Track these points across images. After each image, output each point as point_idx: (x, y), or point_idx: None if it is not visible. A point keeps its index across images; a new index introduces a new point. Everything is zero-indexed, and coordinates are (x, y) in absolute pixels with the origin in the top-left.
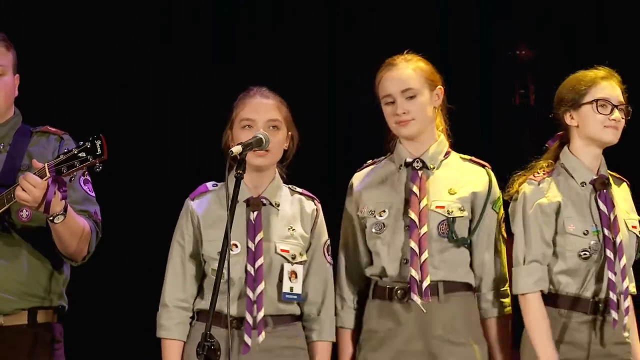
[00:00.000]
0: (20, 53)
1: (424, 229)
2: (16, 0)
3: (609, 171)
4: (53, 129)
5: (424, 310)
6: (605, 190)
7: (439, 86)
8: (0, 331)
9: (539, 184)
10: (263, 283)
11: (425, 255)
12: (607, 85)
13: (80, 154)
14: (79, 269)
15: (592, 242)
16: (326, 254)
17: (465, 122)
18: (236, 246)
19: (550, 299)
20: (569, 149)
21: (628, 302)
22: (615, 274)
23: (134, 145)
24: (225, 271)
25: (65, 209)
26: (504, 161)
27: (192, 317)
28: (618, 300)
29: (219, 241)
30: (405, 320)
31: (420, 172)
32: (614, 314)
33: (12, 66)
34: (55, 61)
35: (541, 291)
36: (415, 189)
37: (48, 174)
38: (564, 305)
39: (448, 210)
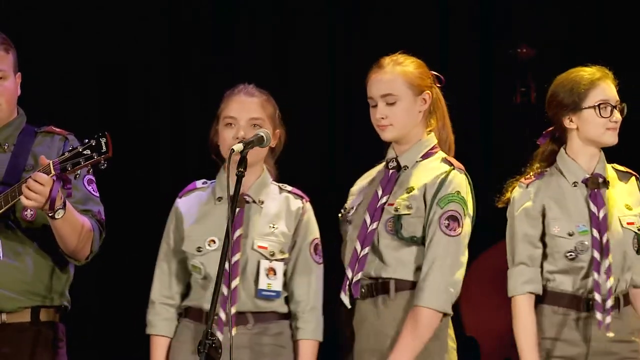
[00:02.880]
0: (20, 53)
1: (374, 226)
2: (16, 0)
3: (616, 166)
4: (58, 130)
5: (348, 306)
6: (596, 190)
7: (427, 91)
8: (2, 329)
9: (527, 187)
10: (238, 279)
11: (365, 251)
12: (605, 87)
13: (85, 152)
14: (81, 269)
15: (578, 243)
16: (313, 253)
17: (466, 121)
18: (214, 242)
19: (546, 296)
20: (565, 150)
21: (610, 303)
22: (599, 274)
23: (133, 145)
24: (202, 267)
25: (64, 203)
26: (504, 160)
27: (180, 315)
28: (603, 300)
29: (198, 237)
30: (362, 319)
31: (391, 172)
32: (598, 315)
33: (12, 68)
34: (55, 61)
35: (534, 293)
36: (379, 187)
37: (53, 171)
38: (559, 303)
39: (396, 208)
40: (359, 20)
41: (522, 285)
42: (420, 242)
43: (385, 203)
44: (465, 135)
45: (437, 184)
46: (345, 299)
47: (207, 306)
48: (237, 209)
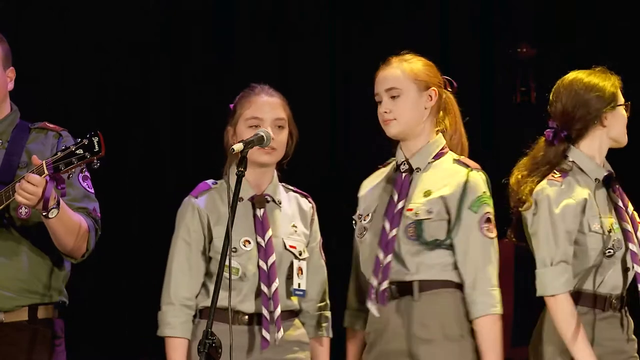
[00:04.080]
0: (20, 53)
1: (394, 232)
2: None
3: None
4: (51, 125)
5: (377, 315)
6: (617, 185)
7: (433, 87)
8: (0, 328)
9: (561, 185)
10: (277, 279)
11: (388, 258)
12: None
13: (77, 151)
14: (80, 265)
15: (616, 239)
16: (322, 253)
17: (466, 120)
18: (249, 242)
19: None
20: (579, 148)
21: None
22: None
23: (133, 144)
24: (226, 267)
25: (58, 202)
26: (505, 159)
27: (195, 315)
28: None
29: (232, 237)
30: (385, 321)
31: (404, 175)
32: None
33: (1, 60)
34: (55, 61)
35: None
36: (394, 192)
37: (46, 172)
38: (582, 303)
39: (416, 213)
40: (360, 19)
41: (564, 284)
42: (444, 245)
43: (402, 208)
44: (466, 134)
45: (461, 187)
46: (373, 307)
47: (241, 307)
48: (261, 210)
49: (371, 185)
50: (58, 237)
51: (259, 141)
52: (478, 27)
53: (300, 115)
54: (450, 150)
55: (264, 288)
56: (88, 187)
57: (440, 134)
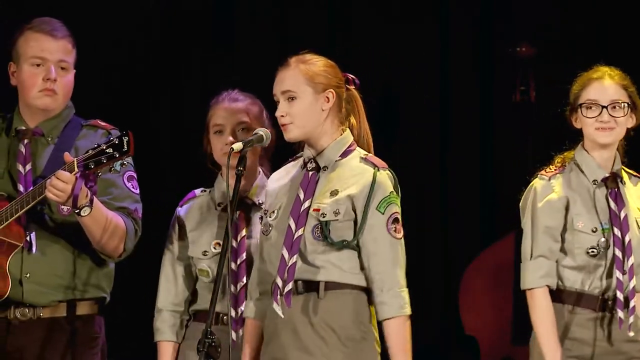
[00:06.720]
0: None
1: (299, 232)
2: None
3: (626, 169)
4: (103, 124)
5: (282, 316)
6: (616, 189)
7: (330, 89)
8: (38, 323)
9: (549, 180)
10: (245, 279)
11: (294, 259)
12: (596, 86)
13: (107, 150)
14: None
15: (601, 240)
16: None
17: (466, 119)
18: (219, 245)
19: (557, 294)
20: (583, 146)
21: (634, 302)
22: (623, 273)
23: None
24: (200, 270)
25: (91, 201)
26: (504, 158)
27: (189, 319)
28: (625, 299)
29: (203, 242)
30: (287, 316)
31: (311, 173)
32: (620, 313)
33: (74, 63)
34: None
35: (549, 287)
36: (300, 190)
37: (76, 169)
38: (569, 301)
39: (322, 213)
40: (359, 17)
41: (540, 279)
42: (351, 245)
43: (309, 207)
44: (465, 133)
45: (368, 188)
46: (278, 309)
47: (216, 308)
48: (237, 212)
49: (279, 180)
50: (93, 235)
51: (258, 140)
52: (478, 27)
53: None
54: (358, 146)
55: (232, 288)
56: (133, 187)
57: (347, 131)
